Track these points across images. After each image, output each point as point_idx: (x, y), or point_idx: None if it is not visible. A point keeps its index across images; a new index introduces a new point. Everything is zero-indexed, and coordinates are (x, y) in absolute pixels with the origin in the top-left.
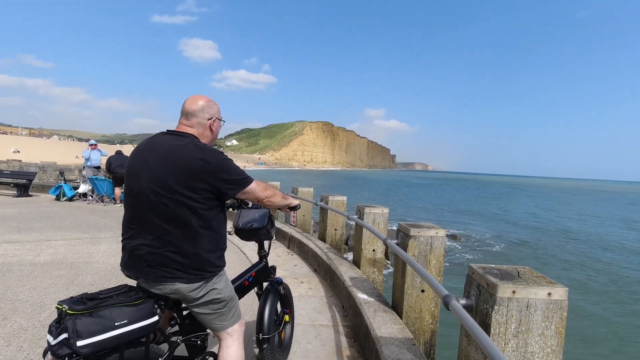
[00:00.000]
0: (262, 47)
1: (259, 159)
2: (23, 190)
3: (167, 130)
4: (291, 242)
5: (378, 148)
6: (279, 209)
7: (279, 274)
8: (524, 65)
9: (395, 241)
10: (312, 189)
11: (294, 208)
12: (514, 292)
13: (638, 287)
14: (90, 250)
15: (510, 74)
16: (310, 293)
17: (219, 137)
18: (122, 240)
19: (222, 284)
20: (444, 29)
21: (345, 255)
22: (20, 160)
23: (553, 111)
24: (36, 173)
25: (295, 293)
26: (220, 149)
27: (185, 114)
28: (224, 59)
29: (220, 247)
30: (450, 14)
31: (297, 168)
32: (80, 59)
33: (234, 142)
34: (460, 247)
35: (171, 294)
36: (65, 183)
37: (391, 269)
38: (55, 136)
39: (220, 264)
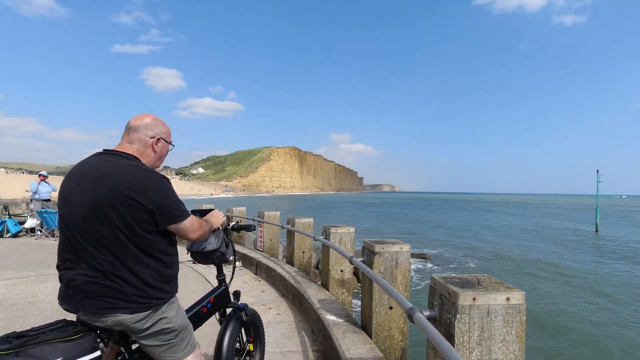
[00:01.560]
0: (228, 76)
1: (226, 186)
2: None
3: (103, 150)
4: (258, 268)
5: (345, 171)
6: (229, 231)
7: (246, 300)
8: (480, 89)
9: (361, 259)
10: (278, 213)
11: (247, 228)
12: (474, 299)
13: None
14: (36, 289)
15: (467, 98)
16: (278, 319)
17: (184, 165)
18: (58, 271)
19: (173, 312)
20: (401, 57)
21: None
22: None
23: (513, 131)
24: None
25: (263, 320)
26: (186, 177)
27: (127, 130)
28: (188, 88)
29: (169, 273)
30: (406, 42)
31: (265, 194)
32: (34, 88)
33: (200, 170)
34: (431, 266)
35: (114, 326)
36: (9, 218)
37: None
38: (2, 169)
39: (169, 291)
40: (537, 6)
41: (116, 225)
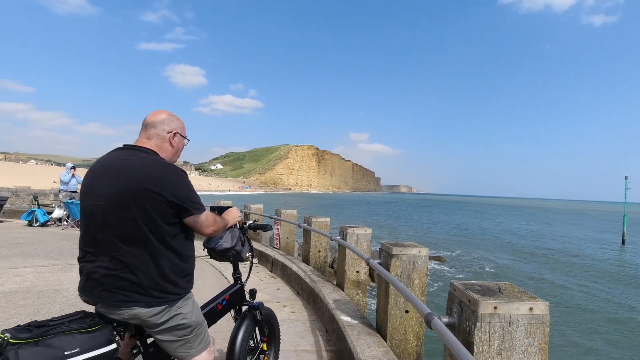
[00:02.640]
0: (249, 74)
1: (244, 182)
2: None
3: (123, 145)
4: (274, 265)
5: (363, 171)
6: (246, 229)
7: (260, 298)
8: (502, 89)
9: (378, 261)
10: (295, 211)
11: (263, 228)
12: (495, 307)
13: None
14: (61, 277)
15: (489, 98)
16: (293, 317)
17: (203, 160)
18: (79, 264)
19: (188, 308)
20: (422, 56)
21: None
22: None
23: (534, 134)
24: (7, 198)
25: (277, 318)
26: (205, 173)
27: (145, 126)
28: (210, 85)
29: (186, 268)
30: (427, 41)
31: (282, 192)
32: (64, 83)
33: (219, 166)
34: (447, 269)
35: (130, 319)
36: (38, 208)
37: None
38: (32, 161)
39: (185, 287)
40: (565, 6)
41: (138, 217)
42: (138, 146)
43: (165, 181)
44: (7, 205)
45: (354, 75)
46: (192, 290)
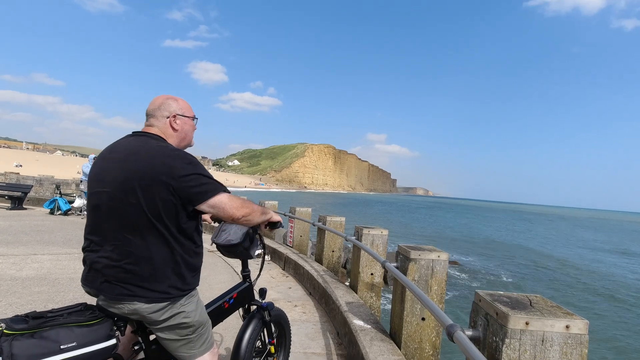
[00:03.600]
0: (269, 72)
1: (260, 179)
2: (17, 203)
3: (132, 132)
4: (287, 264)
5: (379, 172)
6: (258, 226)
7: (271, 296)
8: (526, 93)
9: (395, 264)
10: (310, 209)
11: (274, 225)
12: (527, 323)
13: None
14: (77, 265)
15: (512, 102)
16: (304, 318)
17: (221, 156)
18: (83, 253)
19: (192, 307)
20: (445, 57)
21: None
22: (18, 173)
23: (559, 139)
24: (32, 186)
25: (288, 318)
26: (222, 168)
27: (146, 117)
28: (230, 82)
29: (193, 262)
30: (450, 43)
31: (298, 190)
32: (91, 78)
33: (236, 162)
34: (460, 275)
35: (131, 314)
36: (60, 197)
37: (390, 295)
38: (58, 151)
39: (190, 283)
40: (595, 9)
41: (143, 204)
42: (147, 132)
43: (171, 167)
44: (31, 194)
45: (374, 75)
46: (198, 287)
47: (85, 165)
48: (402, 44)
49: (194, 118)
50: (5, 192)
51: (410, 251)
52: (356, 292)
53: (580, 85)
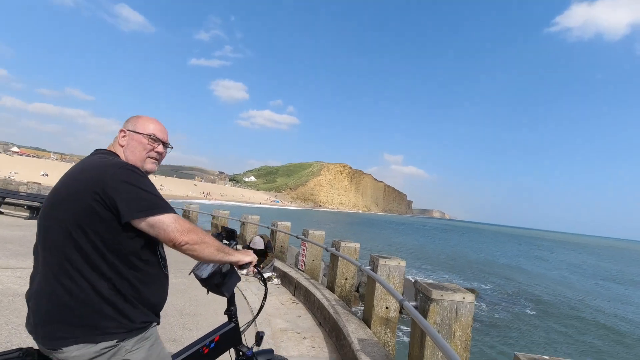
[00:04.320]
0: (289, 91)
1: (275, 196)
2: (36, 213)
3: (95, 150)
4: (297, 289)
5: (395, 193)
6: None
7: (280, 325)
8: (546, 119)
9: (414, 303)
10: (323, 233)
11: (243, 266)
12: None
13: None
14: None
15: (532, 127)
16: (312, 353)
17: (238, 172)
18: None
19: (141, 354)
20: (463, 83)
21: (355, 309)
22: (39, 183)
23: (578, 167)
24: None
25: (295, 351)
26: (238, 184)
27: None
28: (251, 99)
29: (144, 293)
30: (468, 71)
31: (312, 208)
32: (120, 93)
33: (252, 178)
34: (480, 304)
35: None
36: None
37: (406, 328)
38: None
39: (135, 320)
40: (618, 35)
41: (70, 220)
42: (102, 149)
43: (103, 177)
44: None
45: (393, 98)
46: (156, 325)
47: None
48: (421, 69)
49: (151, 137)
50: (25, 202)
51: (431, 290)
52: (369, 327)
53: (605, 111)
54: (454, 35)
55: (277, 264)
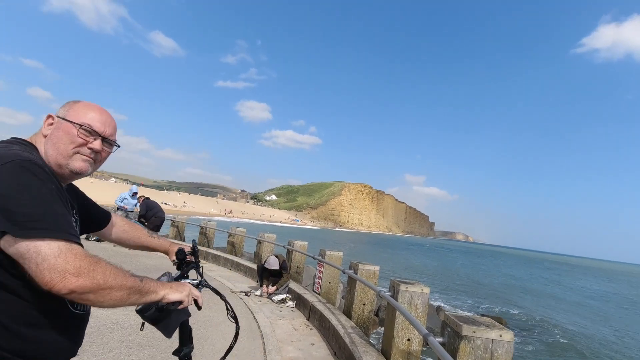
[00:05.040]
0: (311, 111)
1: (296, 215)
2: None
3: (11, 138)
4: (312, 314)
5: (416, 214)
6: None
7: (291, 353)
8: (578, 140)
9: (440, 340)
10: (341, 254)
11: (162, 311)
12: None
13: None
14: None
15: (560, 149)
16: None
17: (259, 191)
18: None
19: None
20: (487, 105)
21: (374, 335)
22: None
23: (608, 189)
24: None
25: None
26: (259, 202)
27: None
28: (274, 120)
29: (32, 314)
30: (491, 93)
31: (333, 228)
32: (149, 113)
33: (273, 197)
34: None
35: None
36: None
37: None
38: (112, 179)
39: (27, 354)
40: None
41: None
42: (20, 139)
43: None
44: None
45: (414, 118)
46: None
47: (124, 194)
48: (444, 93)
49: (83, 128)
50: None
51: (462, 325)
52: None
53: (636, 133)
54: (477, 58)
55: (292, 285)
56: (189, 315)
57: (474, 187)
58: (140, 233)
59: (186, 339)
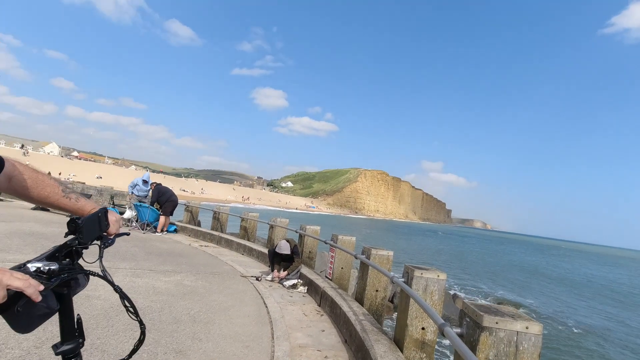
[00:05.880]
0: (328, 98)
1: (312, 202)
2: None
3: None
4: (323, 299)
5: (433, 201)
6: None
7: (300, 340)
8: (599, 127)
9: (458, 330)
10: (354, 239)
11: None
12: None
13: None
14: (100, 282)
15: (585, 135)
16: None
17: (275, 177)
18: None
19: None
20: (511, 90)
21: (387, 321)
22: (83, 183)
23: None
24: (91, 195)
25: None
26: (275, 189)
27: None
28: (290, 107)
29: None
30: (516, 78)
31: (349, 215)
32: (169, 102)
33: (289, 184)
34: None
35: None
36: (113, 207)
37: (448, 352)
38: (133, 166)
39: None
40: None
41: None
42: None
43: None
44: None
45: (432, 104)
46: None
47: (137, 179)
48: (464, 76)
49: None
50: None
51: (483, 315)
52: (401, 350)
53: None
54: (498, 40)
55: (304, 270)
56: (54, 309)
57: (494, 173)
58: (50, 191)
59: (69, 334)
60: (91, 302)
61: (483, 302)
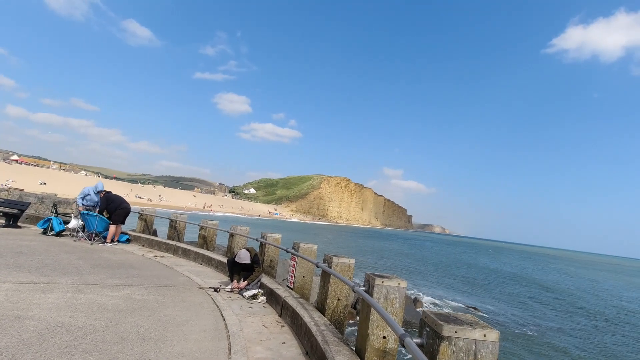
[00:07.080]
0: (292, 105)
1: (275, 208)
2: (12, 220)
3: None
4: (284, 310)
5: (395, 207)
6: None
7: (260, 355)
8: (547, 136)
9: (418, 341)
10: (315, 246)
11: None
12: None
13: None
14: (34, 299)
15: (533, 144)
16: None
17: (238, 184)
18: None
19: None
20: (462, 102)
21: (349, 328)
22: (22, 190)
23: (579, 184)
24: (30, 204)
25: None
26: (238, 196)
27: None
28: (254, 113)
29: None
30: (465, 91)
31: (312, 221)
32: (123, 104)
33: (252, 190)
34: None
35: None
36: (56, 216)
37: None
38: (83, 172)
39: None
40: (614, 57)
41: None
42: None
43: None
44: (31, 211)
45: (393, 113)
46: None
47: (88, 188)
48: (422, 89)
49: None
50: (2, 209)
51: (442, 324)
52: None
53: (603, 128)
54: (453, 56)
55: (265, 280)
56: None
57: (451, 180)
58: None
59: None
60: (21, 322)
61: (443, 310)
